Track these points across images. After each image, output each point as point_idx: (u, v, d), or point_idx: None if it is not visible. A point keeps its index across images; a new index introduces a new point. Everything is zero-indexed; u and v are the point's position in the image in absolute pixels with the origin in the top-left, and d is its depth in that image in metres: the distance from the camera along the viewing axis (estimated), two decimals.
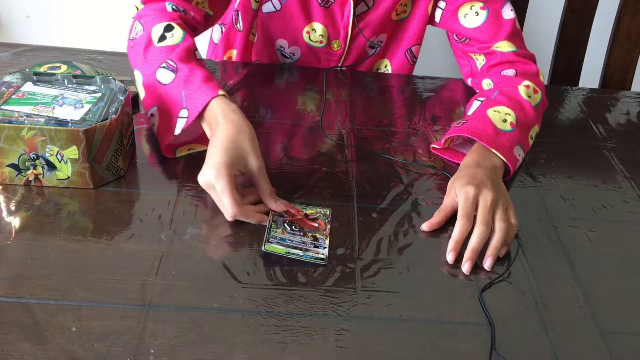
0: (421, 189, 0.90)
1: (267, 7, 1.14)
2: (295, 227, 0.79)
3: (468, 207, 0.80)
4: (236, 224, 0.79)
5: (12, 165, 0.81)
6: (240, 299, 0.69)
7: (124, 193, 0.84)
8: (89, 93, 0.86)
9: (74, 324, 0.64)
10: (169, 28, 0.92)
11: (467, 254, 0.77)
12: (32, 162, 0.81)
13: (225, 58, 1.23)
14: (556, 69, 1.39)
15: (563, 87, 1.26)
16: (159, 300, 0.68)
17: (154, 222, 0.79)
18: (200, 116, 0.85)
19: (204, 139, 0.86)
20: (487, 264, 0.77)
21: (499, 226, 0.79)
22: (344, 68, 1.21)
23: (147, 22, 0.94)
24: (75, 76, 0.89)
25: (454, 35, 1.14)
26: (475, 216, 0.80)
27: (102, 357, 0.62)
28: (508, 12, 1.09)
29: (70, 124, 0.79)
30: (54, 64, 1.03)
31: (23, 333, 0.63)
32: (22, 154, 0.80)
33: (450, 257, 0.77)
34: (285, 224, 0.79)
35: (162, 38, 0.91)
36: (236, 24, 1.18)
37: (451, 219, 0.82)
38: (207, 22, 1.07)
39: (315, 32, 1.15)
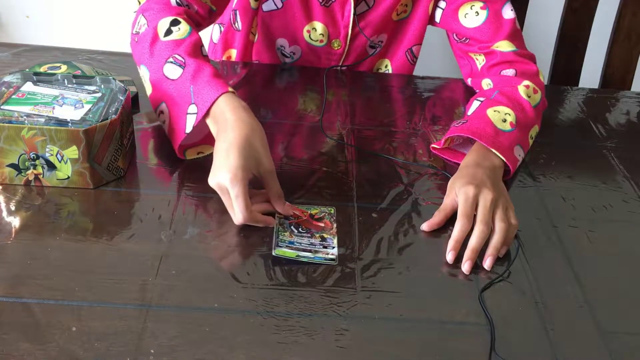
0: (421, 189, 0.90)
1: (268, 6, 1.14)
2: (302, 229, 0.79)
3: (468, 206, 0.80)
4: (236, 223, 0.79)
5: (12, 165, 0.81)
6: (240, 299, 0.69)
7: (124, 193, 0.84)
8: (89, 93, 0.86)
9: (74, 324, 0.64)
10: (175, 22, 0.91)
11: (467, 253, 0.77)
12: (32, 162, 0.81)
13: (224, 58, 1.23)
14: (556, 69, 1.39)
15: (563, 87, 1.26)
16: (159, 300, 0.68)
17: (154, 222, 0.79)
18: (207, 112, 0.83)
19: (211, 139, 0.84)
20: (487, 263, 0.77)
21: (499, 226, 0.79)
22: (344, 68, 1.21)
23: (152, 15, 0.92)
24: (75, 76, 0.89)
25: (454, 35, 1.14)
26: (475, 216, 0.80)
27: (102, 357, 0.62)
28: (508, 12, 1.09)
29: (70, 124, 0.79)
30: (54, 64, 1.03)
31: (23, 333, 0.63)
32: (22, 154, 0.80)
33: (450, 257, 0.77)
34: (292, 227, 0.79)
35: (169, 32, 0.90)
36: (234, 24, 1.18)
37: (451, 219, 0.82)
38: (211, 18, 1.05)
39: (315, 31, 1.15)
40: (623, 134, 1.10)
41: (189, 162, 0.90)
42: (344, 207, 0.84)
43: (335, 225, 0.81)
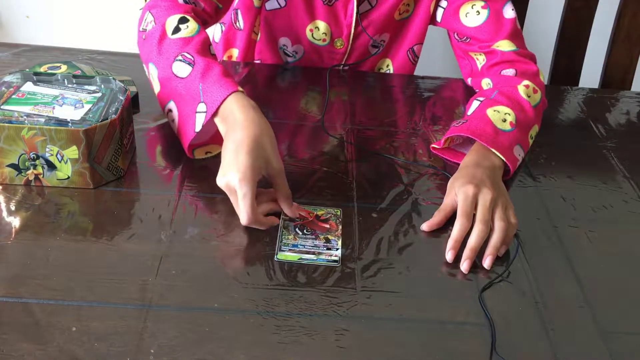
0: (421, 189, 0.90)
1: (271, 4, 1.14)
2: (306, 231, 0.79)
3: (467, 205, 0.80)
4: (236, 223, 0.79)
5: (12, 165, 0.81)
6: (240, 299, 0.69)
7: (124, 193, 0.84)
8: (89, 93, 0.86)
9: (74, 324, 0.64)
10: (183, 20, 0.90)
11: (466, 252, 0.77)
12: (32, 162, 0.81)
13: (225, 57, 1.23)
14: (556, 69, 1.39)
15: (563, 87, 1.26)
16: (159, 300, 0.68)
17: (154, 222, 0.79)
18: (216, 111, 0.82)
19: (219, 139, 0.83)
20: (487, 263, 0.77)
21: (498, 225, 0.79)
22: (346, 67, 1.21)
23: (159, 13, 0.92)
24: (75, 76, 0.89)
25: (455, 35, 1.15)
26: (474, 215, 0.80)
27: (102, 357, 0.62)
28: (509, 12, 1.09)
29: (70, 124, 0.79)
30: (54, 64, 1.03)
31: (23, 333, 0.63)
32: (22, 154, 0.80)
33: (449, 256, 0.77)
34: (297, 229, 0.79)
35: (177, 30, 0.89)
36: (235, 23, 1.18)
37: (451, 219, 0.82)
38: (217, 15, 1.05)
39: (318, 30, 1.15)
40: (623, 134, 1.10)
41: (189, 162, 0.90)
42: (344, 207, 0.84)
43: (340, 227, 0.80)
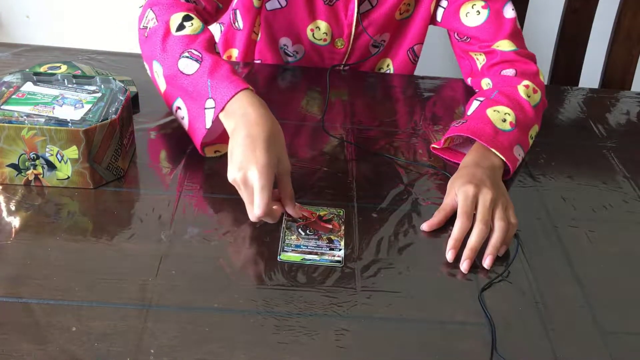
0: (421, 189, 0.90)
1: (271, 4, 1.14)
2: (309, 231, 0.79)
3: (467, 205, 0.80)
4: (236, 223, 0.79)
5: (12, 165, 0.81)
6: (240, 299, 0.69)
7: (124, 193, 0.84)
8: (89, 93, 0.86)
9: (74, 324, 0.64)
10: (187, 18, 0.90)
11: (466, 252, 0.77)
12: (32, 162, 0.81)
13: (224, 57, 1.23)
14: (556, 69, 1.39)
15: (563, 87, 1.26)
16: (159, 300, 0.68)
17: (154, 222, 0.79)
18: (223, 107, 0.81)
19: (227, 137, 0.81)
20: (487, 262, 0.77)
21: (498, 225, 0.79)
22: (347, 67, 1.21)
23: (161, 10, 0.91)
24: (75, 76, 0.89)
25: (455, 34, 1.15)
26: (474, 215, 0.80)
27: (102, 357, 0.62)
28: (509, 12, 1.09)
29: (70, 124, 0.79)
30: (54, 64, 1.03)
31: (23, 333, 0.63)
32: (22, 154, 0.80)
33: (449, 256, 0.77)
34: (300, 229, 0.79)
35: (181, 27, 0.88)
36: (234, 23, 1.18)
37: (451, 219, 0.82)
38: (217, 15, 1.04)
39: (319, 30, 1.15)
40: (623, 134, 1.10)
41: (189, 162, 0.90)
42: (344, 207, 0.84)
43: (343, 227, 0.81)
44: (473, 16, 1.10)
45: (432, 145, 0.98)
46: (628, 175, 0.98)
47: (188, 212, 0.81)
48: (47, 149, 0.80)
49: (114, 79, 0.89)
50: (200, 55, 0.85)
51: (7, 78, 0.88)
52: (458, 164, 0.92)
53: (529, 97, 0.99)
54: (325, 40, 1.16)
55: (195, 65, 0.85)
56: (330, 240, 0.78)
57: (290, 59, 1.21)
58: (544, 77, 1.08)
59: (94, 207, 0.81)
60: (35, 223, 0.77)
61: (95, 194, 0.83)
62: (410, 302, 0.72)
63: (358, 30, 1.15)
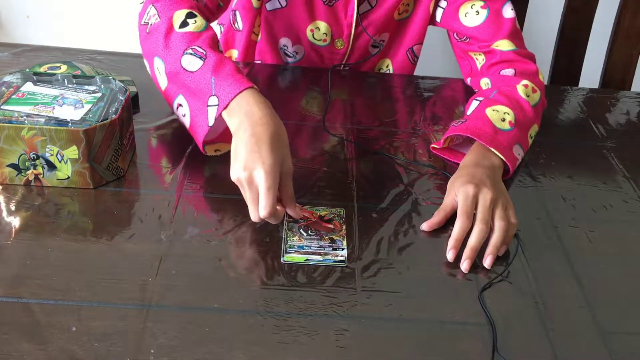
0: (421, 189, 0.90)
1: (271, 5, 1.14)
2: (311, 232, 0.79)
3: (468, 205, 0.80)
4: (236, 223, 0.79)
5: (12, 165, 0.81)
6: (240, 299, 0.69)
7: (124, 193, 0.84)
8: (89, 93, 0.86)
9: (74, 324, 0.64)
10: (190, 15, 0.89)
11: (466, 252, 0.77)
12: (32, 162, 0.81)
13: None
14: (556, 69, 1.39)
15: (563, 87, 1.26)
16: (159, 300, 0.68)
17: (154, 222, 0.79)
18: (227, 105, 0.80)
19: (228, 137, 0.81)
20: (487, 262, 0.77)
21: (498, 225, 0.79)
22: (347, 67, 1.21)
23: (164, 7, 0.90)
24: (75, 76, 0.89)
25: (455, 35, 1.15)
26: (475, 215, 0.80)
27: (102, 357, 0.62)
28: (508, 12, 1.09)
29: (70, 124, 0.79)
30: (54, 64, 1.03)
31: (23, 333, 0.63)
32: (22, 154, 0.80)
33: (450, 255, 0.77)
34: (301, 230, 0.79)
35: (185, 24, 0.88)
36: (234, 24, 1.18)
37: (451, 219, 0.82)
38: (218, 13, 1.04)
39: (319, 30, 1.15)
40: (623, 134, 1.10)
41: (189, 162, 0.90)
42: (344, 207, 0.84)
43: (344, 227, 0.81)
44: (472, 16, 1.10)
45: (432, 145, 0.98)
46: (628, 175, 0.98)
47: (188, 212, 0.81)
48: (47, 149, 0.80)
49: (114, 79, 0.89)
50: (204, 53, 0.84)
51: (7, 78, 0.88)
52: (458, 164, 0.92)
53: (528, 96, 0.99)
54: (325, 40, 1.16)
55: (199, 62, 0.84)
56: (333, 240, 0.78)
57: (290, 59, 1.21)
58: (544, 77, 1.08)
59: (94, 207, 0.81)
60: (35, 223, 0.77)
61: (95, 194, 0.83)
62: (410, 302, 0.72)
63: (357, 31, 1.15)
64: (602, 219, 0.88)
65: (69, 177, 0.82)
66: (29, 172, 0.81)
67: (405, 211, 0.85)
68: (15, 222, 0.77)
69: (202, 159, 0.90)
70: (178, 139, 0.93)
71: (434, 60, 1.49)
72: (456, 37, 1.15)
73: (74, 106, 0.83)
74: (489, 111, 0.94)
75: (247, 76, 0.83)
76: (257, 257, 0.76)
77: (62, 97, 0.85)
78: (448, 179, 0.88)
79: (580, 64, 1.39)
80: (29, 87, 0.87)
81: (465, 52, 1.14)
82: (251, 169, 0.74)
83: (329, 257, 0.76)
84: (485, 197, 0.81)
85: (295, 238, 0.78)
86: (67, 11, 1.82)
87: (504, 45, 1.08)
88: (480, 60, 1.12)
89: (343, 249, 0.77)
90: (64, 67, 1.02)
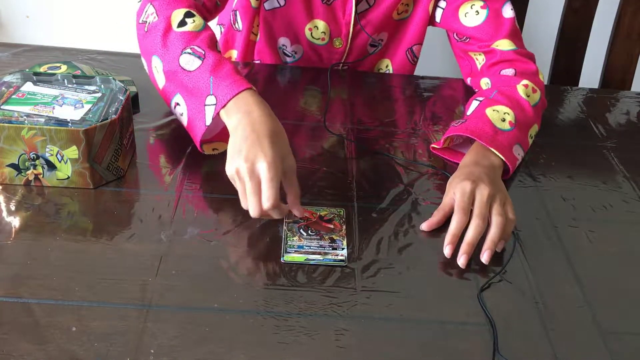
0: (421, 189, 0.90)
1: (270, 4, 1.14)
2: (311, 231, 0.79)
3: (465, 201, 0.80)
4: (236, 223, 0.79)
5: (12, 165, 0.81)
6: (240, 299, 0.69)
7: (124, 193, 0.84)
8: (89, 93, 0.86)
9: (74, 324, 0.64)
10: (189, 14, 0.89)
11: (463, 247, 0.77)
12: (32, 162, 0.81)
13: None
14: (556, 69, 1.39)
15: (563, 87, 1.26)
16: (159, 300, 0.68)
17: (154, 222, 0.79)
18: (225, 104, 0.81)
19: (226, 135, 0.81)
20: (485, 257, 0.77)
21: (495, 220, 0.79)
22: (345, 67, 1.21)
23: (162, 5, 0.90)
24: (75, 76, 0.89)
25: (455, 35, 1.15)
26: (472, 211, 0.80)
27: (102, 357, 0.62)
28: (508, 11, 1.09)
29: (70, 124, 0.79)
30: (54, 64, 1.03)
31: (23, 333, 0.63)
32: (22, 154, 0.80)
33: (447, 251, 0.77)
34: (301, 230, 0.79)
35: (183, 23, 0.87)
36: (234, 24, 1.18)
37: (451, 219, 0.82)
38: (215, 12, 1.04)
39: (317, 29, 1.15)
40: (623, 134, 1.10)
41: (189, 162, 0.90)
42: (344, 207, 0.84)
43: (344, 227, 0.81)
44: (472, 16, 1.10)
45: (432, 145, 0.98)
46: (628, 175, 0.98)
47: (188, 212, 0.81)
48: (47, 149, 0.80)
49: (114, 79, 0.89)
50: (202, 52, 0.84)
51: (7, 78, 0.88)
52: (458, 164, 0.92)
53: (528, 96, 0.99)
54: (323, 39, 1.16)
55: (198, 62, 0.84)
56: (333, 240, 0.78)
57: (289, 59, 1.21)
58: (544, 76, 1.08)
59: (94, 207, 0.81)
60: (35, 223, 0.77)
61: (95, 194, 0.83)
62: (410, 302, 0.72)
63: (356, 30, 1.16)
64: (602, 219, 0.88)
65: (69, 177, 0.82)
66: (29, 172, 0.81)
67: (405, 211, 0.85)
68: (15, 222, 0.77)
69: (202, 159, 0.90)
70: (178, 139, 0.93)
71: (434, 60, 1.49)
72: (456, 37, 1.15)
73: (74, 106, 0.83)
74: (489, 111, 0.94)
75: (247, 76, 0.83)
76: (257, 257, 0.76)
77: (62, 97, 0.85)
78: (448, 179, 0.88)
79: (580, 64, 1.39)
80: (29, 87, 0.87)
81: (465, 52, 1.14)
82: (253, 160, 0.74)
83: (329, 257, 0.76)
84: (483, 193, 0.81)
85: (295, 238, 0.78)
86: (67, 11, 1.82)
87: (504, 45, 1.08)
88: (480, 60, 1.12)
89: (343, 249, 0.77)
90: (64, 67, 1.02)
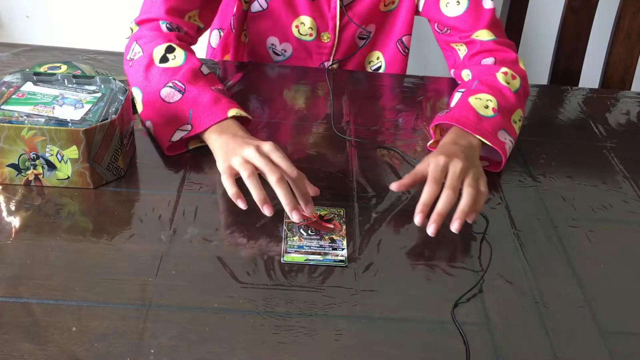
0: (421, 188, 0.89)
1: (254, 7, 1.16)
2: (311, 231, 0.79)
3: (437, 172, 0.82)
4: (236, 223, 0.79)
5: (12, 165, 0.81)
6: (240, 299, 0.69)
7: (124, 193, 0.84)
8: (89, 93, 0.86)
9: (74, 324, 0.64)
10: (170, 49, 0.95)
11: (433, 216, 0.78)
12: (32, 162, 0.81)
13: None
14: (556, 69, 1.39)
15: (563, 87, 1.26)
16: (159, 300, 0.68)
17: (154, 222, 0.79)
18: (204, 132, 0.88)
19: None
20: (455, 227, 0.78)
21: (467, 191, 0.80)
22: (335, 64, 1.21)
23: (146, 43, 0.96)
24: (75, 76, 0.89)
25: (436, 26, 1.16)
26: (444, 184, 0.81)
27: (102, 357, 0.62)
28: (488, 3, 1.11)
29: (70, 124, 0.79)
30: (54, 64, 1.03)
31: (23, 333, 0.63)
32: (22, 154, 0.80)
33: (417, 219, 0.78)
34: (301, 230, 0.79)
35: (165, 59, 0.94)
36: (234, 29, 1.19)
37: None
38: (198, 36, 1.09)
39: (304, 25, 1.16)
40: (623, 134, 1.10)
41: (189, 162, 0.90)
42: (344, 207, 0.84)
43: (344, 227, 0.81)
44: (453, 6, 1.11)
45: (429, 144, 0.98)
46: (628, 175, 0.98)
47: (188, 212, 0.81)
48: (47, 149, 0.79)
49: (114, 79, 0.89)
50: (183, 87, 0.91)
51: (7, 78, 0.88)
52: None
53: (508, 83, 1.00)
54: (311, 35, 1.17)
55: (178, 95, 0.91)
56: (333, 240, 0.78)
57: (279, 57, 1.21)
58: (524, 65, 1.09)
59: (94, 207, 0.81)
60: (35, 223, 0.77)
61: (95, 194, 0.83)
62: (410, 302, 0.72)
63: (343, 22, 1.17)
64: (602, 219, 0.88)
65: (69, 177, 0.82)
66: (29, 172, 0.81)
67: (405, 211, 0.85)
68: (15, 222, 0.77)
69: (202, 159, 0.90)
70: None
71: (435, 59, 1.50)
72: (437, 29, 1.16)
73: (74, 106, 0.83)
74: (472, 100, 0.96)
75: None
76: (257, 256, 0.75)
77: (62, 97, 0.85)
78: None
79: (580, 64, 1.39)
80: (29, 87, 0.86)
81: (448, 43, 1.16)
82: (257, 144, 0.81)
83: (329, 257, 0.76)
84: (456, 166, 0.82)
85: (295, 238, 0.78)
86: (67, 11, 1.82)
87: (483, 35, 1.09)
88: (462, 50, 1.13)
89: (343, 249, 0.77)
90: (64, 67, 1.02)
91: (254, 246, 0.77)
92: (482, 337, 0.68)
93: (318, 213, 0.82)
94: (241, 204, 0.78)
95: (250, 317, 0.68)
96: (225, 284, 0.71)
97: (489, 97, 0.96)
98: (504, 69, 1.02)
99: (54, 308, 0.66)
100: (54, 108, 0.82)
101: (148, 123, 0.93)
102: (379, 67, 1.25)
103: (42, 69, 1.01)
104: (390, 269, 0.76)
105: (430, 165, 0.83)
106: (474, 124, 0.92)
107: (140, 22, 1.01)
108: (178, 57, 0.94)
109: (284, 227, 0.79)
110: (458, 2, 1.11)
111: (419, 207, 0.79)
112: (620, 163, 1.01)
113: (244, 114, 0.90)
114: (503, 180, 0.93)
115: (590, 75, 1.41)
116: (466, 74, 1.10)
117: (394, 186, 0.83)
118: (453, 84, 1.20)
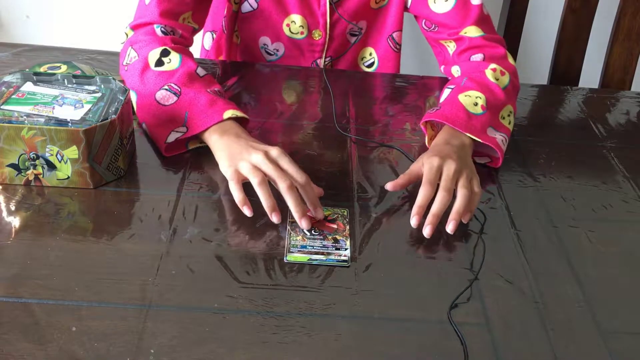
0: (418, 186, 0.90)
1: (245, 7, 1.16)
2: (314, 231, 0.79)
3: (432, 174, 0.82)
4: (236, 223, 0.79)
5: (12, 165, 0.81)
6: (240, 299, 0.69)
7: (124, 193, 0.84)
8: (89, 93, 0.86)
9: (74, 324, 0.65)
10: (165, 53, 0.95)
11: (428, 218, 0.79)
12: (32, 162, 0.81)
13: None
14: (556, 69, 1.39)
15: (563, 87, 1.26)
16: (159, 300, 0.68)
17: (154, 222, 0.79)
18: (203, 133, 0.89)
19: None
20: (450, 227, 0.79)
21: (461, 192, 0.81)
22: (327, 61, 1.21)
23: (141, 47, 0.96)
24: (75, 76, 0.89)
25: (424, 23, 1.16)
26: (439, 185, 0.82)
27: (102, 357, 0.62)
28: None
29: (70, 124, 0.79)
30: (54, 64, 1.03)
31: (23, 333, 0.63)
32: (22, 154, 0.80)
33: (413, 222, 0.79)
34: (305, 230, 0.79)
35: (160, 63, 0.94)
36: (225, 30, 1.20)
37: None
38: (192, 37, 1.09)
39: (295, 23, 1.16)
40: (623, 134, 1.10)
41: (189, 162, 0.90)
42: (345, 207, 0.84)
43: (348, 227, 0.81)
44: (441, 3, 1.11)
45: (427, 141, 0.99)
46: (628, 175, 0.98)
47: (188, 212, 0.81)
48: (47, 149, 0.79)
49: (114, 79, 0.89)
50: (179, 90, 0.91)
51: (7, 78, 0.88)
52: None
53: (497, 80, 1.01)
54: (302, 33, 1.17)
55: (174, 98, 0.91)
56: (336, 240, 0.78)
57: (271, 57, 1.22)
58: (514, 59, 1.09)
59: (94, 207, 0.81)
60: (35, 223, 0.77)
61: (95, 194, 0.83)
62: (410, 302, 0.72)
63: (333, 19, 1.17)
64: (602, 219, 0.88)
65: (69, 177, 0.82)
66: (29, 172, 0.81)
67: (406, 211, 0.85)
68: (15, 222, 0.77)
69: (202, 159, 0.90)
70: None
71: (430, 57, 1.49)
72: (425, 27, 1.16)
73: (74, 106, 0.83)
74: (461, 97, 0.96)
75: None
76: (257, 257, 0.75)
77: (62, 97, 0.85)
78: None
79: (580, 64, 1.39)
80: (29, 87, 0.86)
81: (437, 40, 1.16)
82: (264, 149, 0.81)
83: (332, 257, 0.76)
84: (450, 167, 0.83)
85: (298, 238, 0.78)
86: (67, 11, 1.82)
87: (471, 31, 1.09)
88: (451, 47, 1.13)
89: (346, 249, 0.77)
90: (64, 67, 1.02)
91: (254, 246, 0.77)
92: (481, 337, 0.68)
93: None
94: (247, 212, 0.78)
95: (250, 317, 0.68)
96: (225, 284, 0.71)
97: (478, 94, 0.97)
98: (492, 65, 1.03)
99: (54, 308, 0.66)
100: (53, 108, 0.82)
101: (144, 125, 0.93)
102: (372, 64, 1.25)
103: (42, 69, 1.01)
104: (390, 269, 0.76)
105: (425, 166, 0.84)
106: (464, 121, 0.92)
107: (135, 27, 1.01)
108: (173, 61, 0.94)
109: (287, 227, 0.79)
110: None
111: (415, 210, 0.80)
112: (620, 163, 1.01)
113: (240, 114, 0.90)
114: (503, 180, 0.93)
115: (590, 75, 1.41)
116: (455, 70, 1.10)
117: (389, 186, 0.85)
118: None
